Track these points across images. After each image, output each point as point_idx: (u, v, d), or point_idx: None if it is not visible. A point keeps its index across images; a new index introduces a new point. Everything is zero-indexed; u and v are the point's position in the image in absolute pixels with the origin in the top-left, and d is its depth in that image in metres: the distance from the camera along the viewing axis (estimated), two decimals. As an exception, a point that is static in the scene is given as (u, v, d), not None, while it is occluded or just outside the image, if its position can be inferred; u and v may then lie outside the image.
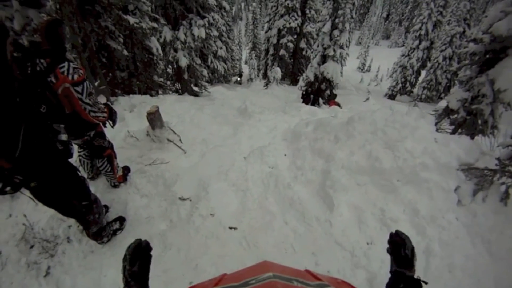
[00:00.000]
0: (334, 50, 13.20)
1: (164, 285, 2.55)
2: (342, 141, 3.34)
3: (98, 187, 3.41)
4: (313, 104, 12.76)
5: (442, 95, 22.88)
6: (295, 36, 20.50)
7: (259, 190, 3.26)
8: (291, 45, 20.30)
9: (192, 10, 8.97)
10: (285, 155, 3.70)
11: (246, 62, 36.90)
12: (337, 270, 2.55)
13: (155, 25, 5.71)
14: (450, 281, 2.39)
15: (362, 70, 46.98)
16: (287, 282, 0.61)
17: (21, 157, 1.76)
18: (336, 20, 13.11)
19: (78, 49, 4.25)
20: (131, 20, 4.98)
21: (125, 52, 5.03)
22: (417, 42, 24.86)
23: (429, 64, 24.76)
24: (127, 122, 4.27)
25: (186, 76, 8.74)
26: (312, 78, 14.23)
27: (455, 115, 3.94)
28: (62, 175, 2.22)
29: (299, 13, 19.90)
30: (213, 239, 2.86)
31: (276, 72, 15.90)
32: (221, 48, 18.07)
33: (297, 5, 19.58)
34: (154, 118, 3.65)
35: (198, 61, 9.26)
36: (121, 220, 3.06)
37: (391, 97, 27.19)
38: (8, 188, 1.84)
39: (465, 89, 3.85)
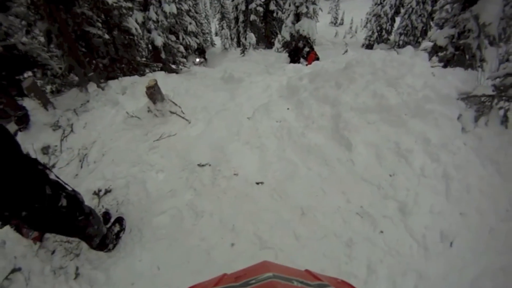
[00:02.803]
0: (307, 7, 12.85)
1: (206, 253, 2.40)
2: (345, 86, 3.20)
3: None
4: (293, 63, 12.46)
5: (420, 39, 22.06)
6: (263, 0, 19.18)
7: (274, 144, 3.08)
8: (260, 9, 19.04)
9: (160, -13, 8.26)
10: (288, 108, 3.52)
11: (216, 34, 35.14)
12: (369, 204, 2.49)
13: (130, 4, 5.14)
14: (470, 202, 2.39)
15: (335, 24, 44.94)
16: (287, 282, 0.58)
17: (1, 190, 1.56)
18: (303, -24, 12.44)
19: (59, 40, 3.76)
20: (110, 0, 4.45)
21: (106, 36, 4.52)
22: (389, -12, 23.51)
23: (402, 10, 23.77)
24: (123, 104, 3.89)
25: (163, 55, 8.16)
26: (288, 38, 13.91)
27: (444, 52, 3.92)
28: (43, 202, 1.89)
29: None
30: (243, 197, 2.70)
31: (251, 37, 15.29)
32: (190, 23, 16.73)
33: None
34: (154, 92, 3.32)
35: (173, 38, 8.65)
36: (120, 220, 2.77)
37: (369, 46, 26.20)
38: None
39: (451, 25, 3.81)
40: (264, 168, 2.89)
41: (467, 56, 3.59)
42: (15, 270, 2.65)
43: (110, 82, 4.26)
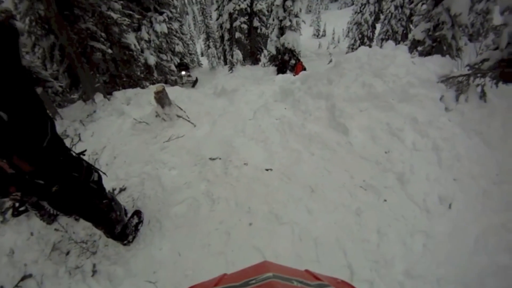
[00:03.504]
0: (290, 20, 13.32)
1: (225, 235, 2.50)
2: (336, 81, 3.46)
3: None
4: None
5: (401, 42, 21.94)
6: (247, 17, 19.47)
7: (277, 137, 3.27)
8: (245, 26, 19.30)
9: (150, 9, 8.54)
10: (285, 108, 3.74)
11: (202, 55, 35.20)
12: (371, 178, 2.68)
13: (128, 21, 5.35)
14: (461, 168, 2.61)
15: (318, 36, 45.38)
16: (287, 282, 0.58)
17: (44, 154, 1.54)
18: (286, -9, 12.83)
19: (63, 56, 3.90)
20: (114, 15, 4.64)
21: (109, 51, 4.68)
22: (367, -3, 24.14)
23: (382, 16, 24.10)
24: (129, 113, 4.01)
25: (155, 74, 8.34)
26: (274, 52, 14.25)
27: (422, 46, 4.29)
28: (81, 172, 1.91)
29: None
30: (255, 182, 2.84)
31: (238, 54, 15.63)
32: (177, 44, 17.08)
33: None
34: (162, 96, 3.49)
35: (164, 57, 8.88)
36: (137, 213, 2.79)
37: None
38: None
39: (426, 20, 4.18)
40: (271, 157, 3.06)
41: (444, 47, 3.96)
42: (25, 277, 2.63)
43: (115, 93, 4.39)
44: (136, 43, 5.87)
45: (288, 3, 13.26)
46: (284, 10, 13.61)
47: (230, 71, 15.89)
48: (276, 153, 3.08)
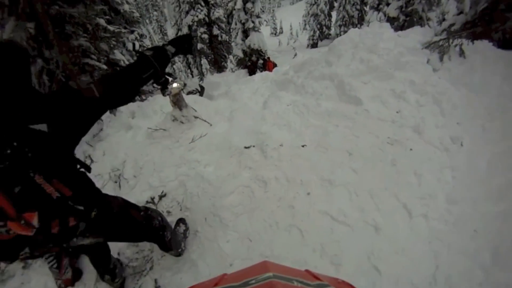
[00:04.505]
0: (253, 22, 13.51)
1: (289, 209, 2.65)
2: (335, 62, 3.81)
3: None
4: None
5: (358, 26, 22.15)
6: (206, 27, 19.18)
7: (297, 119, 3.49)
8: (205, 36, 19.00)
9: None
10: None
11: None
12: (393, 134, 3.02)
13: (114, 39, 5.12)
14: (460, 114, 3.08)
15: (275, 34, 45.11)
16: (287, 282, 0.59)
17: (78, 177, 1.44)
18: (246, -6, 12.96)
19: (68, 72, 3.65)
20: (111, 28, 4.42)
21: (104, 67, 4.45)
22: (319, -13, 24.39)
23: (336, 4, 24.49)
24: (138, 125, 3.90)
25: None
26: (241, 55, 14.23)
27: (396, 22, 4.84)
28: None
29: (203, 3, 18.50)
30: (297, 158, 3.04)
31: (205, 63, 15.34)
32: None
33: (198, -4, 18.24)
34: (179, 98, 3.51)
35: None
36: (181, 220, 2.73)
37: (313, 46, 26.48)
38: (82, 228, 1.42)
39: None
40: (300, 135, 3.29)
41: (415, 19, 4.56)
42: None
43: (120, 107, 4.23)
44: (124, 59, 5.64)
45: (249, 5, 13.55)
46: (246, 13, 13.88)
47: (201, 81, 15.61)
48: (303, 132, 3.32)
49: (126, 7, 8.29)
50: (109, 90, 1.43)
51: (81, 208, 1.36)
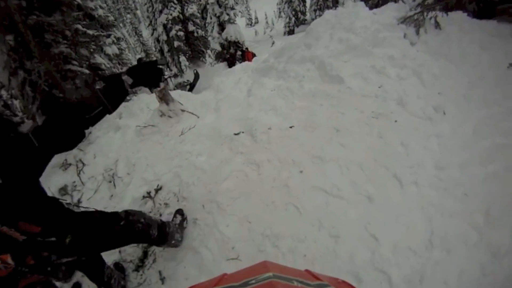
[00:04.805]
0: (228, 14, 13.40)
1: (284, 187, 2.68)
2: (314, 44, 3.82)
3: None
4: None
5: (334, 8, 22.08)
6: (181, 24, 18.45)
7: (282, 103, 3.49)
8: (181, 33, 18.22)
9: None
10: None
11: None
12: (377, 108, 3.06)
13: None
14: (440, 84, 3.13)
15: (251, 25, 44.59)
16: (287, 282, 0.59)
17: (45, 208, 1.41)
18: (218, -14, 12.74)
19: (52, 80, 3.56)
20: (90, 32, 4.30)
21: (87, 71, 4.35)
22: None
23: None
24: (125, 125, 3.86)
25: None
26: (219, 48, 14.08)
27: (371, 1, 4.89)
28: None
29: (176, 1, 17.83)
30: (287, 139, 3.07)
31: (184, 60, 15.08)
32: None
33: (170, -6, 17.60)
34: (165, 93, 3.49)
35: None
36: (179, 211, 2.69)
37: (290, 32, 26.25)
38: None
39: None
40: (287, 118, 3.30)
41: None
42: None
43: None
44: (104, 62, 5.51)
45: None
46: (220, 6, 13.74)
47: (181, 77, 15.35)
48: (289, 114, 3.33)
49: (100, 11, 8.09)
50: (47, 139, 1.32)
51: (53, 239, 1.36)
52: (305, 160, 2.83)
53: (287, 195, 2.62)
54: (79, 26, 4.18)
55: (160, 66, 1.57)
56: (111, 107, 1.46)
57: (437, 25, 3.39)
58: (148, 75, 1.54)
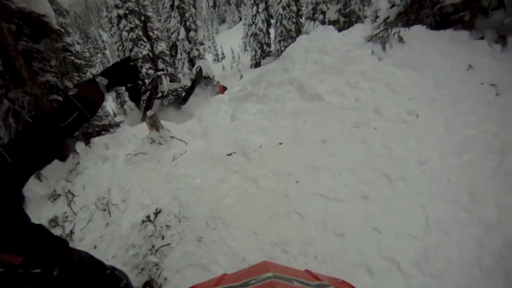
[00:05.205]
0: (197, 49, 13.48)
1: (284, 198, 2.81)
2: (291, 68, 4.12)
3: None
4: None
5: (296, 38, 22.24)
6: (151, 62, 18.29)
7: (268, 124, 3.70)
8: (151, 71, 17.80)
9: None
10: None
11: (115, 115, 32.12)
12: (356, 118, 3.32)
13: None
14: (409, 92, 3.46)
15: (218, 60, 44.89)
16: (287, 282, 0.59)
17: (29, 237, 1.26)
18: (187, 23, 13.39)
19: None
20: (78, 61, 4.24)
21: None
22: (255, 8, 25.56)
23: (273, 21, 24.93)
24: (113, 155, 3.81)
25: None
26: (190, 84, 13.99)
27: (337, 24, 5.33)
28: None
29: (145, 39, 17.82)
30: (278, 154, 3.24)
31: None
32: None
33: (140, 33, 17.37)
34: (156, 120, 3.55)
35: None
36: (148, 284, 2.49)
37: (257, 65, 26.73)
38: None
39: (336, 2, 5.24)
40: (275, 136, 3.47)
41: (353, 19, 5.10)
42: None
43: (94, 139, 4.08)
44: None
45: (191, 33, 13.70)
46: (189, 42, 13.93)
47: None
48: (276, 133, 3.51)
49: (78, 47, 8.07)
50: (21, 153, 1.20)
51: (38, 271, 1.20)
52: (299, 171, 2.99)
53: (288, 204, 2.73)
54: (67, 55, 4.19)
55: (134, 63, 1.49)
56: (88, 112, 1.34)
57: (400, 39, 3.82)
58: (122, 72, 1.48)
